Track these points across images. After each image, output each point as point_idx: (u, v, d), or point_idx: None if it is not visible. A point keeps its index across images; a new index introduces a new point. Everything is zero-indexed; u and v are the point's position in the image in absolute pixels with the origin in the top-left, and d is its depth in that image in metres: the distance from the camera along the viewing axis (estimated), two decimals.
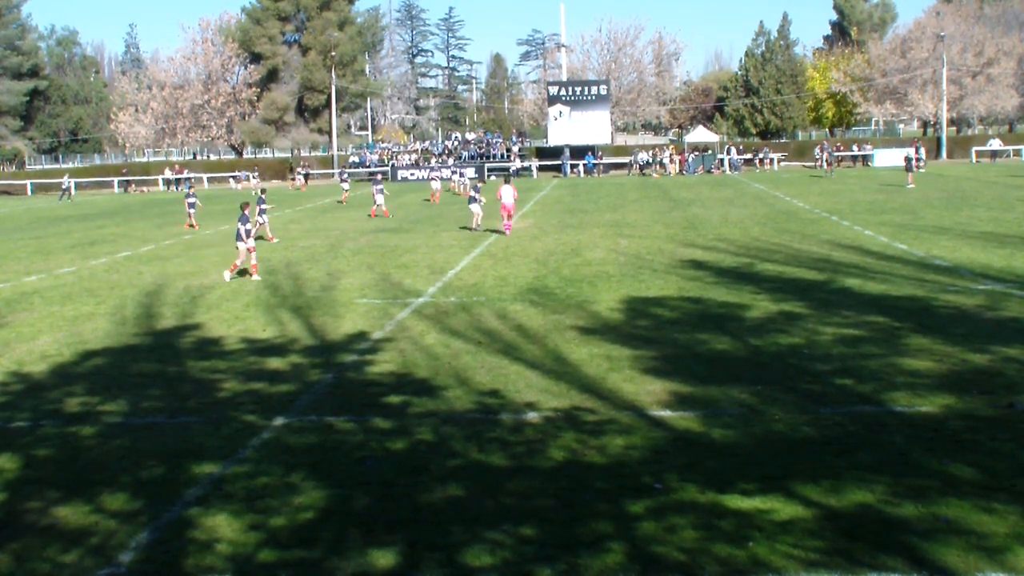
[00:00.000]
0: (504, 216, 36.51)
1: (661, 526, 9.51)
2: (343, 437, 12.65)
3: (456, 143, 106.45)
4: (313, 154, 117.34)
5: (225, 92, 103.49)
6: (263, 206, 44.25)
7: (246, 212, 28.36)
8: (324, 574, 8.79)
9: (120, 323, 21.44)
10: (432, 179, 62.21)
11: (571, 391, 14.44)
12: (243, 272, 27.95)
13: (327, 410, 13.95)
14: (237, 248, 27.90)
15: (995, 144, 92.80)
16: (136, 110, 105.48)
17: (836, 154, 78.77)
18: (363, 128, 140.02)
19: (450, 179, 69.31)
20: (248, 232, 27.54)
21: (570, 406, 13.64)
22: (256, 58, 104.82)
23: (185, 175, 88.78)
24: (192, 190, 47.76)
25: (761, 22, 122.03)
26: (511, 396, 14.29)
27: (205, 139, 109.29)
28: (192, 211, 45.61)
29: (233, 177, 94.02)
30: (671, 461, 11.31)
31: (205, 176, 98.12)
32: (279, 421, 13.46)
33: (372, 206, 47.60)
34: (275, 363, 17.12)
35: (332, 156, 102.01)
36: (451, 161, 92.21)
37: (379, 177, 49.69)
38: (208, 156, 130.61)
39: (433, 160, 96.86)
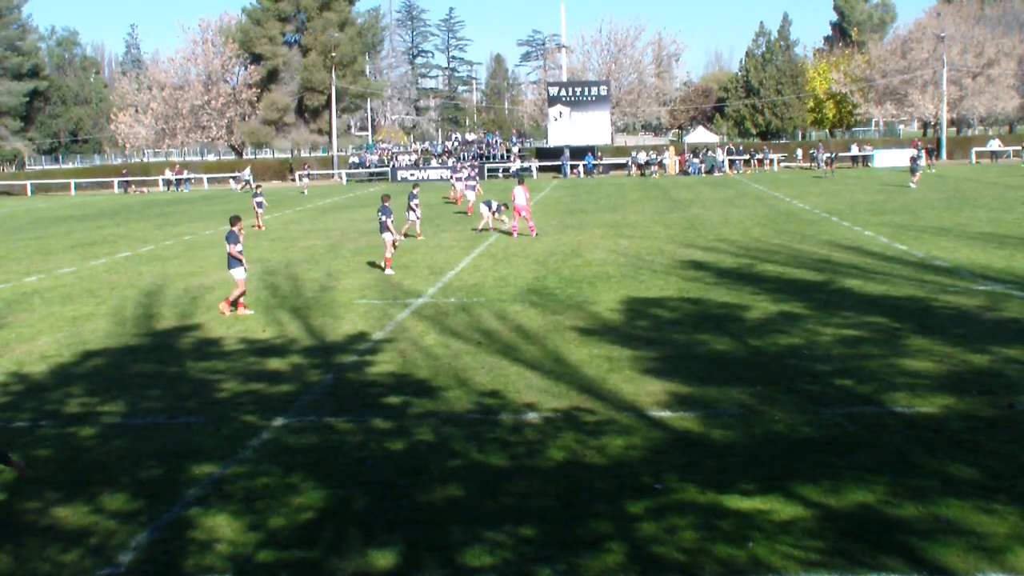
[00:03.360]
0: (516, 217, 36.42)
1: (661, 526, 9.51)
2: (343, 437, 12.66)
3: (456, 144, 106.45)
4: (313, 155, 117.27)
5: (225, 93, 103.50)
6: (259, 199, 44.32)
7: (387, 204, 28.64)
8: (324, 574, 8.80)
9: (120, 323, 21.44)
10: (454, 180, 59.43)
11: (571, 392, 14.45)
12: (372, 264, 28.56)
13: (327, 411, 13.95)
14: (384, 240, 28.23)
15: (995, 145, 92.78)
16: (136, 111, 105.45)
17: (826, 155, 78.63)
18: (363, 129, 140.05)
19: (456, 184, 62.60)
20: (392, 223, 28.14)
21: (570, 407, 13.65)
22: (256, 59, 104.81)
23: (245, 175, 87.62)
24: (259, 189, 46.95)
25: (761, 23, 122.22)
26: (511, 397, 14.30)
27: (205, 140, 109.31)
28: (260, 211, 45.00)
29: (233, 178, 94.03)
30: (671, 461, 11.31)
31: (205, 177, 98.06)
32: (279, 421, 13.47)
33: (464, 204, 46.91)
34: (275, 364, 17.13)
35: (332, 157, 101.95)
36: (451, 162, 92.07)
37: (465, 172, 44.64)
38: (207, 156, 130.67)
39: (434, 161, 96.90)
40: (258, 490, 10.87)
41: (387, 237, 28.10)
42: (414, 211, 37.07)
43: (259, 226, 43.56)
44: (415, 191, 38.03)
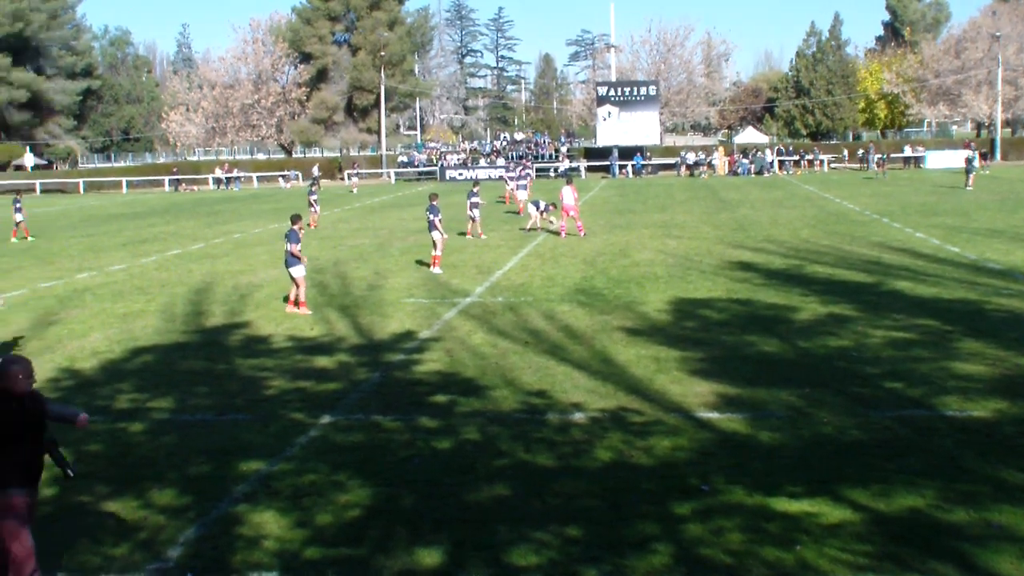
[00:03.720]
0: (564, 217, 36.39)
1: (708, 528, 9.46)
2: (389, 436, 12.68)
3: (504, 143, 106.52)
4: (362, 153, 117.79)
5: (275, 92, 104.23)
6: (313, 197, 44.51)
7: (435, 203, 28.85)
8: (370, 572, 8.82)
9: (169, 320, 21.61)
10: (508, 179, 57.96)
11: (618, 392, 14.40)
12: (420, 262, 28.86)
13: (374, 409, 13.99)
14: (432, 239, 28.37)
15: None
16: (187, 109, 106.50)
17: (878, 156, 78.03)
18: (412, 128, 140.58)
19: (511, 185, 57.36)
20: (440, 222, 28.36)
21: (617, 407, 13.61)
22: (306, 58, 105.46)
23: (315, 172, 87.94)
24: (315, 187, 47.15)
25: (812, 22, 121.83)
26: (558, 396, 14.28)
27: (255, 138, 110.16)
28: (314, 209, 45.25)
29: (283, 176, 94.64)
30: (718, 463, 11.25)
31: (255, 175, 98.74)
32: (326, 419, 13.52)
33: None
34: (322, 361, 17.20)
35: (381, 156, 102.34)
36: (500, 162, 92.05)
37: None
38: (257, 155, 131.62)
39: (483, 160, 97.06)
40: (305, 487, 10.92)
41: (435, 236, 28.16)
42: (474, 210, 37.00)
43: (314, 225, 43.73)
44: (475, 189, 37.75)
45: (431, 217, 28.34)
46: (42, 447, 8.26)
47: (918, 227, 35.60)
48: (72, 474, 8.43)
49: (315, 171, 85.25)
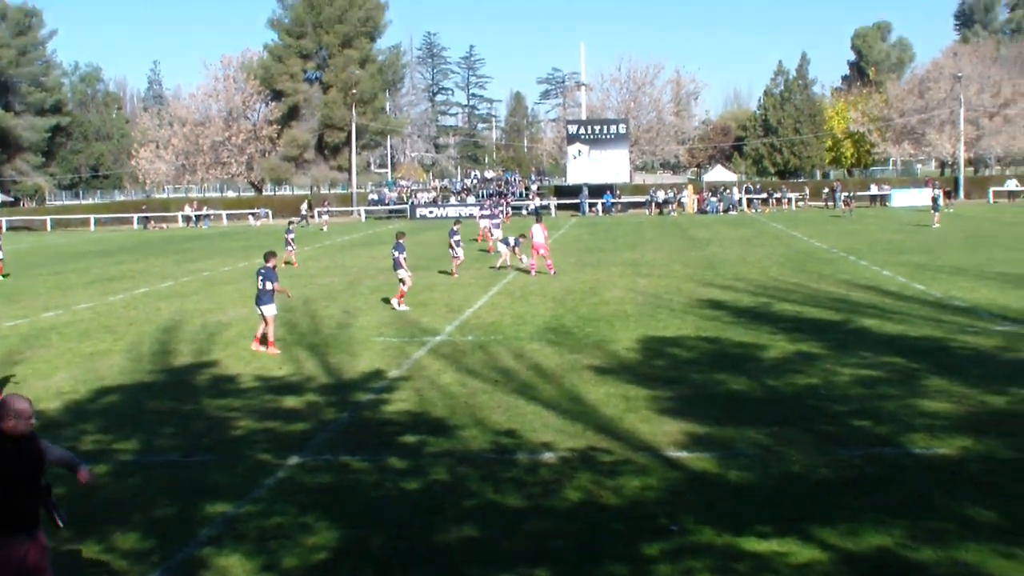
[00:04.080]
0: (534, 255, 36.44)
1: (677, 568, 9.46)
2: (358, 477, 12.63)
3: (475, 181, 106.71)
4: (332, 191, 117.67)
5: (246, 129, 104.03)
6: (290, 235, 44.42)
7: (401, 241, 28.96)
8: None
9: (136, 360, 21.48)
10: (480, 218, 57.72)
11: (587, 431, 14.40)
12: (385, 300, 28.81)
13: (342, 449, 13.93)
14: (399, 277, 28.50)
15: (1012, 185, 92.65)
16: (157, 146, 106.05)
17: (845, 195, 78.85)
18: (382, 165, 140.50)
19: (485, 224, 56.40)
20: (405, 260, 28.51)
21: (586, 446, 13.60)
22: (277, 95, 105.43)
23: (262, 213, 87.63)
24: (292, 225, 47.00)
25: (780, 61, 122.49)
26: (527, 436, 14.26)
27: (225, 176, 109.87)
28: (291, 248, 44.93)
29: (252, 214, 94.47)
30: (687, 502, 11.26)
31: (224, 213, 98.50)
32: (294, 460, 13.45)
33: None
34: (291, 401, 17.12)
35: (351, 194, 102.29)
36: (470, 199, 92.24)
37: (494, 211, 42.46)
38: (227, 192, 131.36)
39: (454, 198, 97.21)
40: (272, 529, 10.85)
41: (401, 274, 28.20)
42: (454, 248, 36.83)
43: (293, 263, 43.63)
44: (456, 228, 37.72)
45: (396, 255, 28.39)
46: (39, 493, 7.90)
47: (885, 265, 35.86)
48: (63, 524, 8.13)
49: (304, 208, 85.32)
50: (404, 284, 28.23)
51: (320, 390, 17.98)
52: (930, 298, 27.03)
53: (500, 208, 56.15)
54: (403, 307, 27.76)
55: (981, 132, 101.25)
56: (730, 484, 11.92)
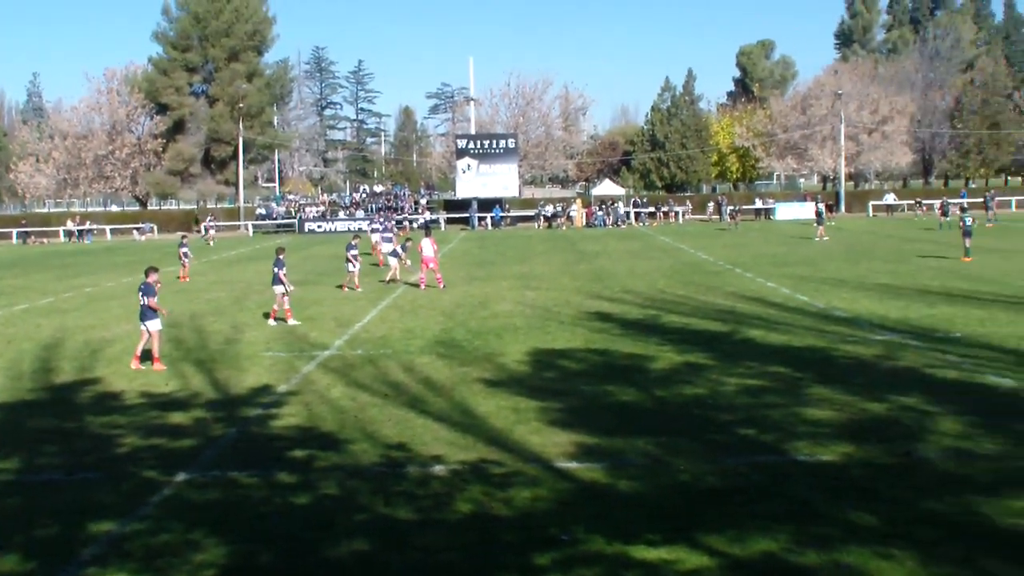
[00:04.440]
0: (424, 269, 36.35)
1: None
2: (247, 492, 12.48)
3: (364, 196, 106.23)
4: (219, 206, 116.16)
5: (130, 143, 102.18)
6: (184, 249, 43.70)
7: (281, 257, 28.80)
8: None
9: (16, 378, 20.95)
10: (372, 232, 56.53)
11: (478, 443, 14.41)
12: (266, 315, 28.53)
13: (231, 465, 13.74)
14: (275, 292, 28.44)
15: (890, 199, 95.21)
16: (37, 160, 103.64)
17: (731, 208, 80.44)
18: (271, 180, 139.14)
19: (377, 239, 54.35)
20: (285, 275, 28.36)
21: (477, 459, 13.61)
22: (162, 109, 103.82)
23: (147, 228, 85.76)
24: (185, 239, 46.07)
25: (667, 77, 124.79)
26: (418, 449, 14.22)
27: (109, 190, 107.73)
28: (186, 260, 44.28)
29: (137, 228, 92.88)
30: (578, 513, 11.32)
31: (108, 227, 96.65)
32: (181, 477, 13.24)
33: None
34: (177, 418, 16.85)
35: (239, 208, 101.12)
36: (359, 214, 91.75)
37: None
38: (111, 207, 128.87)
39: (343, 212, 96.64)
40: (159, 547, 10.66)
41: (278, 289, 28.28)
42: (352, 262, 36.55)
43: (185, 278, 42.97)
44: (354, 242, 37.48)
45: (276, 271, 28.31)
46: None
47: (769, 277, 36.51)
48: None
49: (210, 219, 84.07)
50: (284, 299, 28.23)
51: (207, 406, 17.72)
52: (813, 309, 27.58)
53: (391, 222, 55.76)
54: (273, 322, 27.79)
55: (861, 148, 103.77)
56: (620, 494, 12.03)
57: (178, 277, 42.79)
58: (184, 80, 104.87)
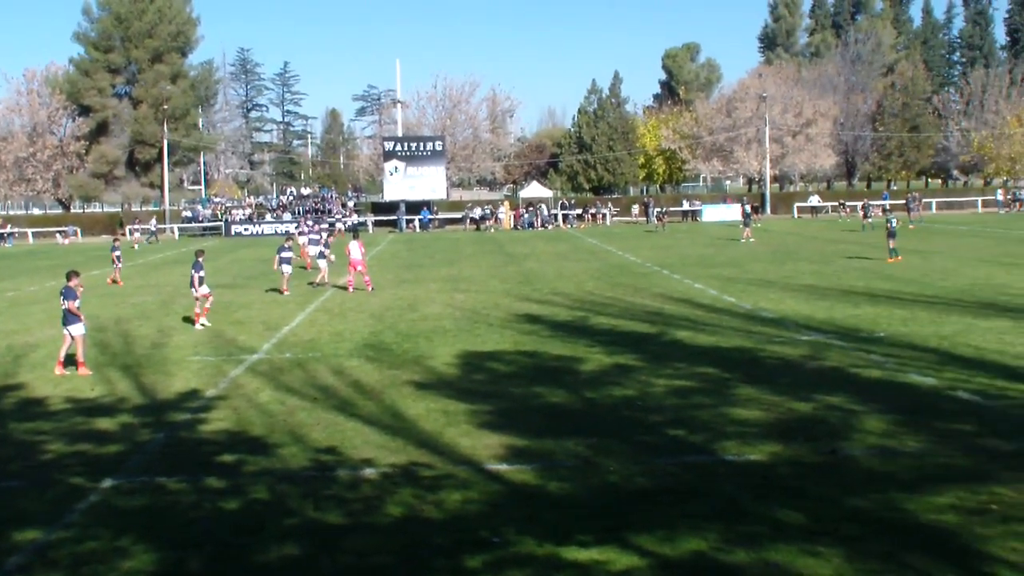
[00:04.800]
0: (352, 272, 36.21)
1: None
2: (175, 498, 12.36)
3: (291, 198, 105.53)
4: (145, 209, 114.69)
5: (52, 145, 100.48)
6: (117, 252, 43.10)
7: (200, 260, 28.86)
8: None
9: None
10: (300, 235, 54.76)
11: (408, 446, 14.40)
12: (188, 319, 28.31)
13: (158, 471, 13.61)
14: (193, 295, 28.41)
15: (815, 200, 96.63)
16: None
17: (658, 210, 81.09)
18: (196, 183, 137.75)
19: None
20: (202, 279, 28.33)
21: (407, 461, 13.60)
22: (85, 110, 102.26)
23: (70, 231, 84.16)
24: (117, 242, 45.33)
25: (594, 80, 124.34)
26: (348, 452, 14.18)
27: (30, 193, 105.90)
28: (119, 265, 43.61)
29: (60, 232, 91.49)
30: (508, 514, 11.35)
31: (30, 231, 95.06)
32: (108, 483, 13.08)
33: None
34: (103, 423, 16.65)
35: (164, 211, 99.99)
36: (286, 216, 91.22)
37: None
38: (32, 210, 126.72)
39: (270, 215, 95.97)
40: (85, 555, 10.53)
41: (199, 292, 28.33)
42: (285, 264, 36.40)
43: (118, 281, 42.43)
44: (287, 244, 37.14)
45: (193, 274, 28.32)
46: None
47: (697, 278, 36.83)
48: None
49: (154, 223, 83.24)
50: (198, 302, 28.34)
51: (134, 411, 17.53)
52: (740, 310, 27.87)
53: (321, 225, 55.61)
54: (199, 325, 27.67)
55: (785, 150, 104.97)
56: (550, 495, 12.08)
57: (112, 281, 42.32)
58: (107, 81, 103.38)
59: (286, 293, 35.52)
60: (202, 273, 28.48)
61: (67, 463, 14.18)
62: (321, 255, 39.12)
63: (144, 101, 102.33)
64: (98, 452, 14.74)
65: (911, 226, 65.79)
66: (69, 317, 21.35)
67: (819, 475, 12.49)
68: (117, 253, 43.70)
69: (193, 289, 28.38)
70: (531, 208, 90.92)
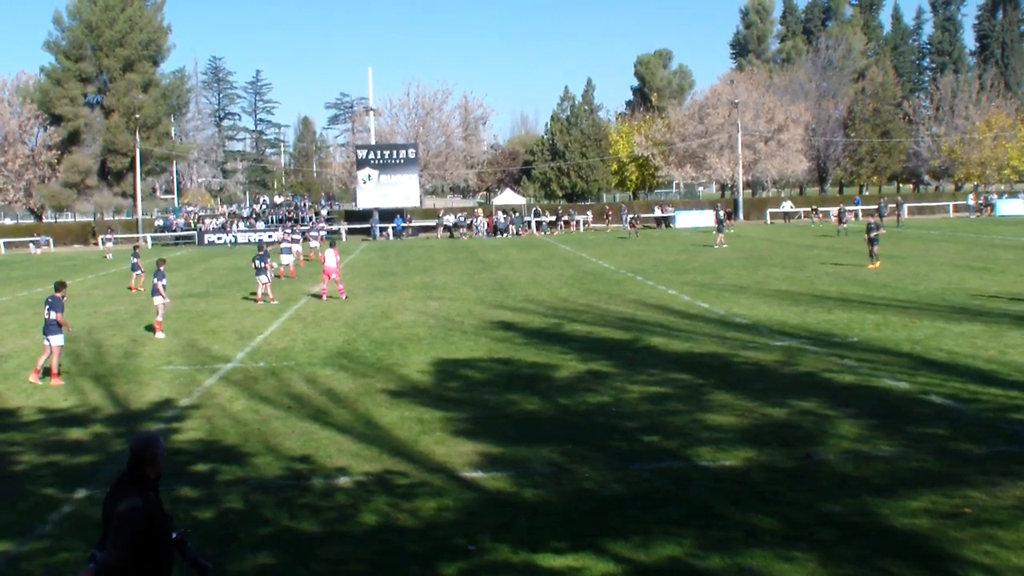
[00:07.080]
0: (326, 280, 36.15)
1: None
2: None
3: (264, 207, 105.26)
4: (117, 218, 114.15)
5: (23, 154, 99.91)
6: (135, 260, 43.08)
7: (162, 268, 29.28)
8: None
9: None
10: (284, 245, 49.68)
11: (382, 455, 14.39)
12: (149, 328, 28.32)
13: None
14: (154, 303, 28.62)
15: (787, 206, 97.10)
16: None
17: (631, 216, 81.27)
18: (169, 192, 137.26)
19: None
20: (165, 287, 28.81)
21: (382, 470, 13.59)
22: (56, 120, 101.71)
23: (43, 241, 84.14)
24: (137, 249, 45.27)
25: (566, 87, 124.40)
26: (322, 461, 14.16)
27: (1, 203, 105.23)
28: (137, 272, 43.44)
29: (33, 242, 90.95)
30: (483, 522, 11.36)
31: (1, 241, 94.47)
32: (81, 493, 13.03)
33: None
34: (76, 433, 16.57)
35: (137, 220, 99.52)
36: (259, 225, 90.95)
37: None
38: (3, 220, 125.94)
39: (243, 224, 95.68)
40: (59, 567, 10.48)
41: (157, 300, 28.50)
42: (263, 274, 35.96)
43: (139, 288, 42.43)
44: (261, 253, 36.67)
45: (155, 282, 28.60)
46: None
47: (670, 284, 36.92)
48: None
49: (109, 232, 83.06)
50: (159, 313, 28.50)
51: (107, 421, 17.46)
52: (714, 316, 27.96)
53: (296, 235, 55.49)
54: (161, 335, 27.71)
55: (757, 156, 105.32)
56: (525, 502, 12.09)
57: (129, 287, 43.25)
58: (78, 90, 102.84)
59: (260, 303, 35.33)
60: (164, 281, 28.91)
61: (40, 474, 14.11)
62: (288, 251, 39.23)
63: (116, 110, 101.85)
64: (71, 462, 14.67)
65: (882, 231, 65.93)
66: (52, 327, 21.26)
67: (793, 480, 12.55)
68: (136, 260, 43.58)
69: (159, 297, 28.56)
70: (508, 215, 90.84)
